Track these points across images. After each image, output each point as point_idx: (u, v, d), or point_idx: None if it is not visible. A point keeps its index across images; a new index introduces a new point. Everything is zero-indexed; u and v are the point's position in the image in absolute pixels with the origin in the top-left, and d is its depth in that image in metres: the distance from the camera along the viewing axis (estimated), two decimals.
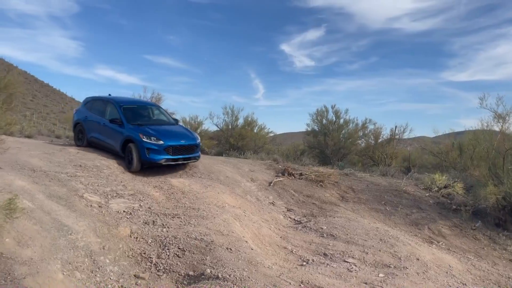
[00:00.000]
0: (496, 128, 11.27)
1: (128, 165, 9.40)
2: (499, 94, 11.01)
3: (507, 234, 9.00)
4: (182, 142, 9.74)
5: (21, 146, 9.79)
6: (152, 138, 9.30)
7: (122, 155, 9.74)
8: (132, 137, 9.42)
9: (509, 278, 6.69)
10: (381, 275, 5.56)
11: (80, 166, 8.56)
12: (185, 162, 9.95)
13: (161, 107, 11.90)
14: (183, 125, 11.70)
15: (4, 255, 4.21)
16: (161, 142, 9.32)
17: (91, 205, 6.58)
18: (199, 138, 10.62)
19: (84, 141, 11.15)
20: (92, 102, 11.36)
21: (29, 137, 16.82)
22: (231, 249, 5.61)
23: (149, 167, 9.54)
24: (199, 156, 10.36)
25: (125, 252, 5.49)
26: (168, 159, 9.39)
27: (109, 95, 11.59)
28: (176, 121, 11.34)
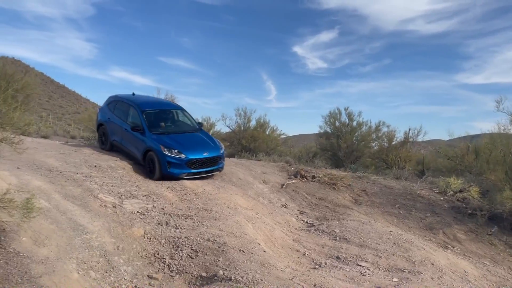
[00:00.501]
0: None
1: (149, 173, 9.16)
2: None
3: None
4: (205, 155, 9.30)
5: (37, 146, 9.96)
6: (174, 151, 8.96)
7: (143, 164, 9.46)
8: (153, 148, 9.12)
9: None
10: (395, 279, 5.50)
11: (95, 166, 8.67)
12: (207, 175, 9.54)
13: (185, 110, 11.29)
14: (206, 131, 11.04)
15: (21, 254, 4.28)
16: (183, 155, 8.96)
17: (105, 205, 6.65)
18: (223, 147, 10.16)
19: (107, 145, 10.81)
20: (115, 103, 10.94)
21: (45, 137, 17.10)
22: (243, 251, 5.62)
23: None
24: (222, 167, 9.95)
25: (138, 253, 5.54)
26: (189, 173, 9.07)
27: (133, 94, 11.21)
28: (200, 125, 10.91)
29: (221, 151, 9.76)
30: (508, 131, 11.15)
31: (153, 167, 9.07)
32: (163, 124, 10.14)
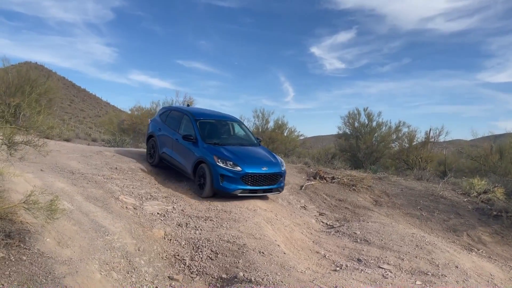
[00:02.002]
0: None
1: (198, 190, 8.27)
2: None
3: None
4: (264, 170, 8.16)
5: (60, 149, 10.16)
6: (229, 163, 7.92)
7: (192, 178, 8.57)
8: (205, 158, 8.14)
9: None
10: (418, 282, 5.39)
11: (116, 168, 8.79)
12: (265, 194, 8.46)
13: (243, 123, 10.34)
14: (265, 147, 9.77)
15: (45, 255, 4.36)
16: (239, 168, 7.88)
17: (126, 207, 6.73)
18: (284, 164, 8.98)
19: (155, 158, 9.83)
20: (167, 113, 10.19)
21: (67, 140, 17.43)
22: (263, 253, 5.59)
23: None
24: (282, 188, 8.72)
25: (159, 254, 5.58)
26: (244, 190, 7.95)
27: (188, 105, 10.41)
28: (259, 141, 9.80)
29: (282, 168, 8.59)
30: None
31: (203, 181, 8.11)
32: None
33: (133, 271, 4.95)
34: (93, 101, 78.44)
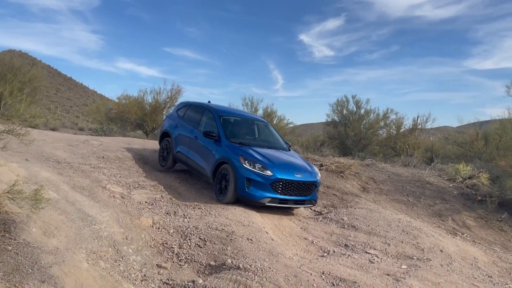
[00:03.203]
0: None
1: (218, 194, 7.37)
2: None
3: None
4: (298, 177, 7.22)
5: (46, 138, 10.03)
6: (257, 165, 7.00)
7: (211, 182, 7.68)
8: (229, 159, 7.23)
9: None
10: (403, 266, 5.48)
11: (103, 157, 8.71)
12: (296, 206, 7.59)
13: (270, 125, 9.46)
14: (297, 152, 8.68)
15: (31, 245, 4.32)
16: (268, 173, 6.97)
17: (114, 196, 6.69)
18: (319, 173, 8.06)
19: (168, 161, 8.97)
20: (186, 108, 9.34)
21: (53, 129, 17.22)
22: (251, 240, 5.63)
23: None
24: (316, 201, 7.82)
25: (147, 242, 5.57)
26: (273, 199, 7.01)
27: (209, 102, 9.45)
28: (288, 145, 8.90)
29: (318, 178, 7.70)
30: None
31: (225, 185, 7.21)
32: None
33: (121, 259, 4.94)
34: (80, 89, 77.36)
